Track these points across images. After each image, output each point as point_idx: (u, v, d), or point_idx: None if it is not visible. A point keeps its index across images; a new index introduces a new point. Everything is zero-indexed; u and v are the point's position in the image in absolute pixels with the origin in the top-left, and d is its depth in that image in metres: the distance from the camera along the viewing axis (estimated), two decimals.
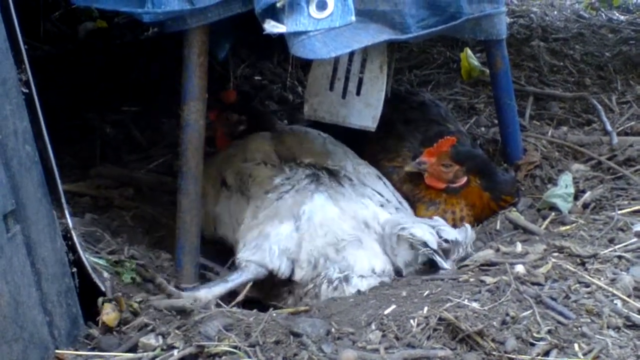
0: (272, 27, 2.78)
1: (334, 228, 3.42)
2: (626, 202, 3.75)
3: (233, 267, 3.57)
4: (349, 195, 3.57)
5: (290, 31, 2.79)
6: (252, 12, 2.91)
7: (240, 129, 4.20)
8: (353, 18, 2.80)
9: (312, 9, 2.78)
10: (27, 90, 2.66)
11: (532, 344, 2.61)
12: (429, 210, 3.89)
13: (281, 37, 2.87)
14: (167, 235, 3.76)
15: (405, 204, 3.78)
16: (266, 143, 3.91)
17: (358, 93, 3.80)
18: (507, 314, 2.71)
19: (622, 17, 7.30)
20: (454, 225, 3.83)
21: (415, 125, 4.25)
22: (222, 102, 4.25)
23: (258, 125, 4.16)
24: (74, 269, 2.84)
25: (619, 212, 3.62)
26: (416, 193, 3.96)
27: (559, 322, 2.70)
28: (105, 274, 3.01)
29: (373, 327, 2.73)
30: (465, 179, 3.89)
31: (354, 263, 3.33)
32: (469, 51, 5.70)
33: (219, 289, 3.27)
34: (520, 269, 3.03)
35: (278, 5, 2.74)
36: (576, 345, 2.60)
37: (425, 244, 3.25)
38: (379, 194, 3.67)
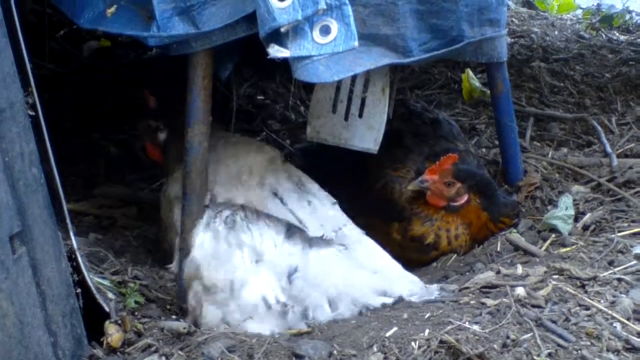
0: (276, 51, 2.80)
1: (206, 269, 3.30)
2: (626, 225, 3.77)
3: None
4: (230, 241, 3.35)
5: (294, 56, 2.81)
6: (256, 35, 2.94)
7: (162, 138, 3.98)
8: (356, 43, 2.83)
9: (316, 34, 2.81)
10: (33, 113, 2.69)
11: None
12: (424, 226, 3.93)
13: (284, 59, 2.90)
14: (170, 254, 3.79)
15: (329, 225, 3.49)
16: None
17: (360, 115, 3.83)
18: (508, 337, 2.73)
19: (622, 38, 7.32)
20: (449, 243, 3.87)
21: (424, 139, 4.29)
22: (141, 109, 4.07)
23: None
24: (79, 290, 2.86)
25: (619, 234, 3.64)
26: (414, 207, 4.00)
27: (559, 345, 2.72)
28: (110, 295, 3.04)
29: (375, 349, 2.74)
30: (466, 197, 3.92)
31: None
32: (470, 72, 5.73)
33: None
34: (520, 291, 3.05)
35: (282, 30, 2.76)
36: None
37: None
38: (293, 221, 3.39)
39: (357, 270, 3.29)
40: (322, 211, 3.44)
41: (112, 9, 3.24)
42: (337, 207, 3.54)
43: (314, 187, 3.58)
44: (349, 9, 2.83)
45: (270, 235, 3.31)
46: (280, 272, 3.25)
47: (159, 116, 3.95)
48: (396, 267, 3.40)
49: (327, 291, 3.22)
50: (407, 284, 3.29)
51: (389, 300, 3.22)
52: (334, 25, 2.82)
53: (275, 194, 3.45)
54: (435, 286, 3.33)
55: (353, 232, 3.44)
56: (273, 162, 3.61)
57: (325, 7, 2.77)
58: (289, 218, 3.35)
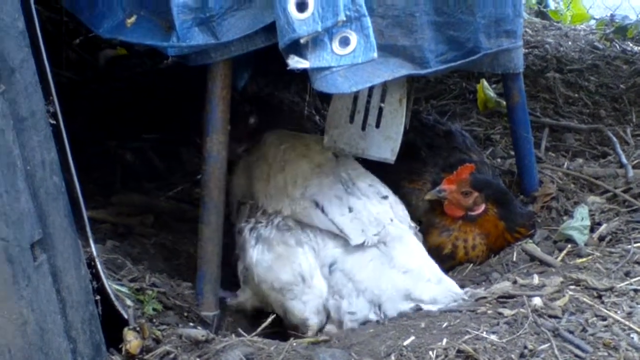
0: (295, 62, 2.82)
1: (270, 278, 3.47)
2: None
3: None
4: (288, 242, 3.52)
5: (313, 67, 2.83)
6: (274, 45, 2.96)
7: (252, 123, 4.14)
8: (375, 54, 2.84)
9: (335, 46, 2.82)
10: (54, 122, 2.71)
11: None
12: (442, 237, 3.93)
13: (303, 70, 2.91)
14: (187, 263, 3.81)
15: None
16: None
17: (377, 126, 3.84)
18: (526, 347, 2.73)
19: (636, 48, 7.30)
20: (466, 253, 3.88)
21: (438, 151, 4.31)
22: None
23: (270, 122, 4.16)
24: (98, 297, 2.88)
25: (635, 245, 3.63)
26: (430, 217, 4.01)
27: (576, 356, 2.72)
28: (128, 302, 3.05)
29: (392, 358, 2.75)
30: (483, 206, 3.93)
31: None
32: (485, 82, 5.72)
33: None
34: (537, 301, 3.06)
35: (302, 41, 2.78)
36: None
37: None
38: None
39: (389, 269, 3.34)
40: (365, 212, 3.46)
41: (132, 19, 3.27)
42: (385, 201, 3.60)
43: (364, 182, 3.63)
44: (368, 21, 2.84)
45: (322, 236, 3.44)
46: (324, 263, 3.40)
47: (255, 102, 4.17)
48: (430, 269, 3.41)
49: (358, 286, 3.31)
50: (433, 289, 3.30)
51: (407, 307, 3.26)
52: (353, 37, 2.84)
53: (317, 204, 3.48)
54: (463, 292, 3.35)
55: (396, 229, 3.47)
56: (319, 166, 3.68)
57: (344, 18, 2.78)
58: (330, 228, 3.42)
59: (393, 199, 3.66)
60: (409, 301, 3.26)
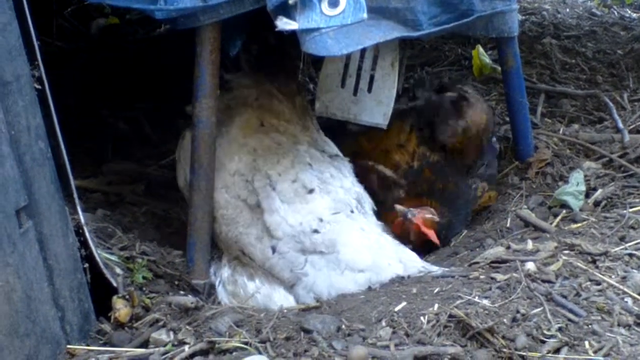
0: (284, 24, 2.78)
1: None
2: (637, 200, 3.74)
3: None
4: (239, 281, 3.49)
5: (302, 28, 2.79)
6: (264, 9, 2.92)
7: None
8: (365, 15, 2.81)
9: (324, 6, 2.79)
10: (40, 87, 2.68)
11: (543, 342, 2.61)
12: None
13: (294, 33, 2.88)
14: (178, 231, 3.78)
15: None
16: None
17: (369, 90, 3.80)
18: (518, 311, 2.71)
19: (634, 15, 7.27)
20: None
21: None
22: None
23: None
24: (86, 265, 2.85)
25: (630, 210, 3.61)
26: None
27: (569, 320, 2.70)
28: (118, 270, 3.03)
29: (383, 323, 2.73)
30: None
31: None
32: (480, 48, 5.68)
33: None
34: (530, 266, 3.04)
35: (290, 2, 2.75)
36: (586, 343, 2.60)
37: None
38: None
39: (342, 274, 3.29)
40: (288, 241, 3.37)
41: None
42: (312, 196, 3.43)
43: (286, 182, 3.45)
44: None
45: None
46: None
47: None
48: (384, 253, 3.34)
49: (320, 297, 3.26)
50: (397, 268, 3.28)
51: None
52: None
53: (243, 252, 3.46)
54: (437, 268, 3.30)
55: (328, 232, 3.36)
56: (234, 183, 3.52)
57: None
58: (264, 270, 3.41)
59: (324, 186, 3.48)
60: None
